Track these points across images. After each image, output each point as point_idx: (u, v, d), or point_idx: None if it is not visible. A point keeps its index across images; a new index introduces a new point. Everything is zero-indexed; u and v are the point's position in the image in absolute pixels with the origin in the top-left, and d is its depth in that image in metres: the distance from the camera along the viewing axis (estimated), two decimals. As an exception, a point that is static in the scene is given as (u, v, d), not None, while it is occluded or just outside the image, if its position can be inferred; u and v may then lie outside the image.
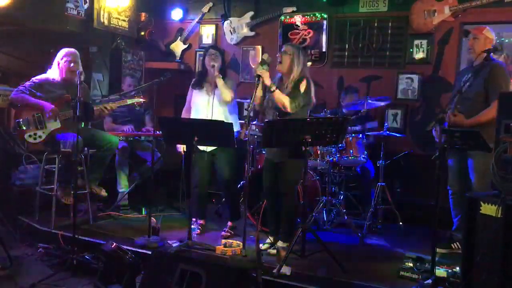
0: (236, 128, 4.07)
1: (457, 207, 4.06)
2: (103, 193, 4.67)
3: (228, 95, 4.21)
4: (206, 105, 4.30)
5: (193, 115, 4.38)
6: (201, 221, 4.50)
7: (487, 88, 3.78)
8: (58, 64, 4.47)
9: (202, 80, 4.38)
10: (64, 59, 4.44)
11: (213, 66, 4.22)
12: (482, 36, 3.93)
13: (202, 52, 6.41)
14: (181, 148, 4.51)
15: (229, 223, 4.44)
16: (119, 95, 5.07)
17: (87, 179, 4.49)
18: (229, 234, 4.31)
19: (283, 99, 3.73)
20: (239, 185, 4.75)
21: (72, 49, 4.50)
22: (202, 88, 4.35)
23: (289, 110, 3.73)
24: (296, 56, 3.84)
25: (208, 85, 4.34)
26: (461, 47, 5.20)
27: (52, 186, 4.39)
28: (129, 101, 4.67)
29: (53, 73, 4.50)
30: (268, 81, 3.74)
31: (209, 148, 4.30)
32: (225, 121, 3.92)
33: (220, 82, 4.21)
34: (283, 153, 3.84)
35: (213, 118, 4.17)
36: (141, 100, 4.75)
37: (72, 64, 4.40)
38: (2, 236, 3.82)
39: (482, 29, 3.99)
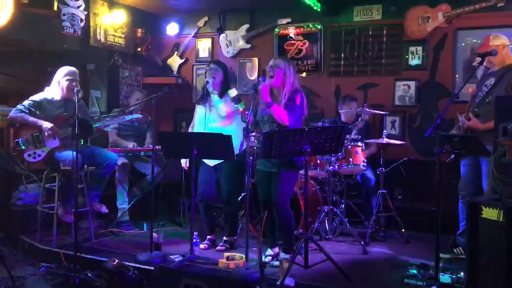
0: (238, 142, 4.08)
1: (464, 212, 4.03)
2: (104, 209, 4.66)
3: (221, 109, 4.21)
4: (203, 120, 4.31)
5: (193, 130, 4.40)
6: (211, 236, 4.45)
7: (509, 93, 3.67)
8: (59, 83, 4.47)
9: (204, 95, 4.38)
10: (66, 77, 4.44)
11: (207, 82, 4.24)
12: (500, 46, 3.81)
13: (199, 66, 6.59)
14: (184, 163, 4.50)
15: (225, 238, 4.40)
16: (118, 111, 5.09)
17: (87, 196, 4.49)
18: (223, 248, 4.27)
19: (281, 114, 3.75)
20: (239, 198, 4.74)
21: (72, 68, 4.52)
22: (204, 103, 4.37)
23: (287, 123, 3.74)
24: (287, 69, 3.85)
25: (209, 100, 4.35)
26: (456, 53, 5.23)
27: (53, 205, 4.39)
28: (127, 118, 4.68)
29: (53, 92, 4.50)
30: (267, 98, 3.77)
31: (212, 163, 4.30)
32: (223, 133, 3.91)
33: (214, 97, 4.22)
34: (276, 164, 3.83)
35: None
36: (140, 116, 4.76)
37: (74, 83, 4.41)
38: (4, 256, 3.80)
39: (488, 40, 3.86)
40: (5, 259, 3.79)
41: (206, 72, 4.36)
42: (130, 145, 5.26)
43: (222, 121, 4.26)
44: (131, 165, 5.26)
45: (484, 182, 3.81)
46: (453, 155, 3.19)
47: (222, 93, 4.28)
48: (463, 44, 5.22)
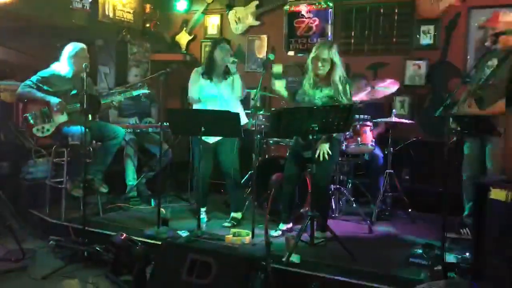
0: (243, 120, 4.08)
1: (469, 192, 4.03)
2: (103, 189, 4.59)
3: (239, 91, 4.29)
4: (214, 98, 4.29)
5: (201, 106, 4.36)
6: (203, 209, 4.49)
7: (511, 75, 3.65)
8: (72, 60, 4.43)
9: (211, 71, 4.34)
10: (82, 56, 4.41)
11: (234, 62, 4.27)
12: (510, 24, 3.75)
13: (207, 43, 6.52)
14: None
15: (232, 214, 4.41)
16: (125, 87, 5.07)
17: (91, 170, 4.46)
18: (230, 225, 4.28)
19: None
20: (247, 175, 4.74)
21: (84, 45, 4.50)
22: (212, 80, 4.34)
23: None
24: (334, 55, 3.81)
25: (217, 77, 4.34)
26: (468, 32, 5.14)
27: (62, 179, 4.42)
28: (134, 93, 4.67)
29: (62, 67, 4.48)
30: None
31: (211, 139, 4.30)
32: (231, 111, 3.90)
33: (237, 79, 4.27)
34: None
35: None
36: (147, 91, 4.75)
37: (87, 62, 4.31)
38: (14, 229, 3.86)
39: (496, 17, 3.84)
40: (15, 232, 3.84)
41: (215, 49, 4.31)
42: (132, 121, 5.24)
43: (232, 100, 4.29)
44: (140, 143, 5.26)
45: (488, 160, 3.81)
46: (455, 137, 3.15)
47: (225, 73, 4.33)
48: (476, 24, 5.11)
